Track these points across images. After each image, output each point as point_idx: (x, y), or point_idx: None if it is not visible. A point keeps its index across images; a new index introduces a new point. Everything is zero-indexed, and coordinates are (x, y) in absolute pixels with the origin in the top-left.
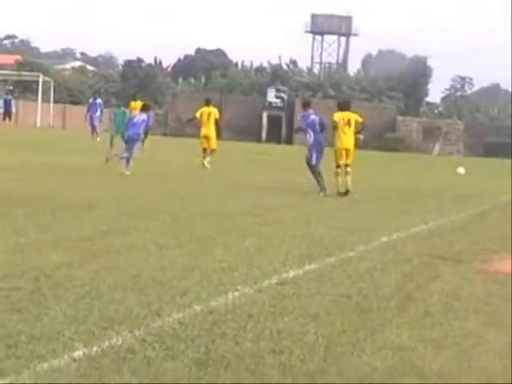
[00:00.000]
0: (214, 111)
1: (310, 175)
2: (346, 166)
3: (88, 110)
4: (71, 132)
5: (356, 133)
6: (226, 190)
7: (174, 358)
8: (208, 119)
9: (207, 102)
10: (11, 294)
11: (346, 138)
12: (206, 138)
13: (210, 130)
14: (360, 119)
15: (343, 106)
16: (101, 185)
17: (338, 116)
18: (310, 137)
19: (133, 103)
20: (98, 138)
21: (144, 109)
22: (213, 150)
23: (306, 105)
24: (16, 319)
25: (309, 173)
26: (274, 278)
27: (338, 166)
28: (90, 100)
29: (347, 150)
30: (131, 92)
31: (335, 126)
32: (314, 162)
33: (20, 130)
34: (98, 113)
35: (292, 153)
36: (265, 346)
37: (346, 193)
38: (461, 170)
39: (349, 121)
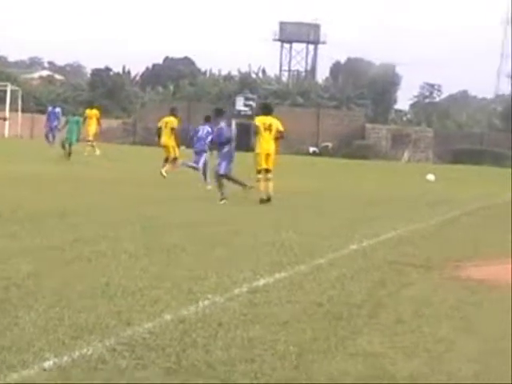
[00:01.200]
0: (171, 120)
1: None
2: (267, 171)
3: (47, 119)
4: (39, 142)
5: (276, 139)
6: (195, 199)
7: (145, 367)
8: (166, 128)
9: (171, 111)
10: None
11: (266, 144)
12: (164, 146)
13: (167, 138)
14: (281, 128)
15: (266, 111)
16: (71, 193)
17: (260, 120)
18: (225, 148)
19: (88, 111)
20: (67, 145)
21: (207, 120)
22: (174, 159)
23: (217, 114)
24: None
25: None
26: (244, 286)
27: (259, 172)
28: (49, 109)
29: (267, 155)
30: (100, 101)
31: (257, 131)
32: (222, 170)
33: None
34: (56, 122)
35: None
36: (236, 354)
37: (268, 200)
38: (430, 177)
39: (270, 126)
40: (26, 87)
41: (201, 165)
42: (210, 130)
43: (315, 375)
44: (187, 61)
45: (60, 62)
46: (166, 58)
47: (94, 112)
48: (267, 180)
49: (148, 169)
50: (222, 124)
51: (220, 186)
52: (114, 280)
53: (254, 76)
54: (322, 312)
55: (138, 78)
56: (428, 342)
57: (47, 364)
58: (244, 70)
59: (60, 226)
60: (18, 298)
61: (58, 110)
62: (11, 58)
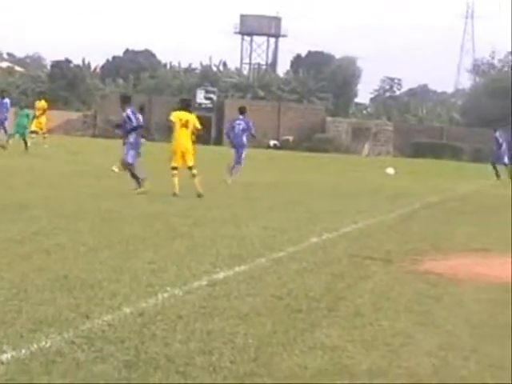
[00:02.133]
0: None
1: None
2: (190, 168)
3: None
4: None
5: (193, 135)
6: (155, 191)
7: (104, 360)
8: None
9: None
10: None
11: (183, 139)
12: None
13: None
14: (198, 125)
15: (183, 106)
16: (29, 186)
17: (176, 116)
18: (131, 137)
19: (37, 103)
20: (11, 141)
21: (241, 112)
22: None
23: (124, 101)
24: None
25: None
26: (204, 279)
27: (174, 168)
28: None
29: (183, 152)
30: (60, 93)
31: (172, 126)
32: (130, 159)
33: None
34: (6, 113)
35: (221, 154)
36: (195, 347)
37: (199, 196)
38: (390, 171)
39: (187, 122)
40: None
41: (242, 161)
42: (245, 125)
43: (274, 368)
44: (148, 53)
45: (20, 54)
46: (127, 51)
47: (42, 104)
48: (193, 177)
49: (107, 161)
50: (129, 111)
51: (133, 176)
52: (73, 273)
53: (214, 69)
54: (281, 305)
55: (98, 70)
56: (386, 336)
57: (5, 357)
58: (205, 62)
59: (18, 219)
60: None
61: (6, 100)
62: None
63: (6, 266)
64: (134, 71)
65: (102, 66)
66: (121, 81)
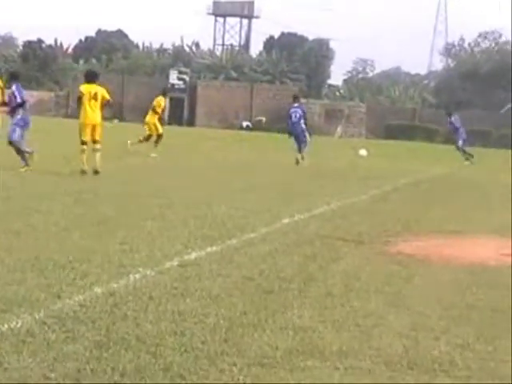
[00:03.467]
0: (157, 99)
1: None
2: (95, 142)
3: None
4: None
5: (102, 107)
6: (128, 172)
7: (75, 340)
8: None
9: (163, 92)
10: None
11: (92, 113)
12: (145, 124)
13: (149, 117)
14: (107, 96)
15: (90, 79)
16: (1, 167)
17: (85, 89)
18: (18, 114)
19: None
20: None
21: (295, 100)
22: (158, 136)
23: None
24: None
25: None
26: (175, 259)
27: (84, 143)
28: None
29: (94, 126)
30: (32, 73)
31: (80, 99)
32: (15, 137)
33: None
34: None
35: (193, 134)
36: (166, 327)
37: (96, 173)
38: (363, 152)
39: (95, 94)
40: None
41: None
42: (301, 112)
43: (245, 348)
44: (120, 33)
45: None
46: (99, 31)
47: None
48: (95, 151)
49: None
50: (14, 87)
51: (19, 153)
52: (45, 253)
53: (187, 50)
54: (252, 286)
55: (70, 50)
56: (358, 317)
57: None
58: (178, 43)
59: None
60: None
61: None
62: None
63: None
64: (107, 51)
65: (75, 47)
66: (94, 61)
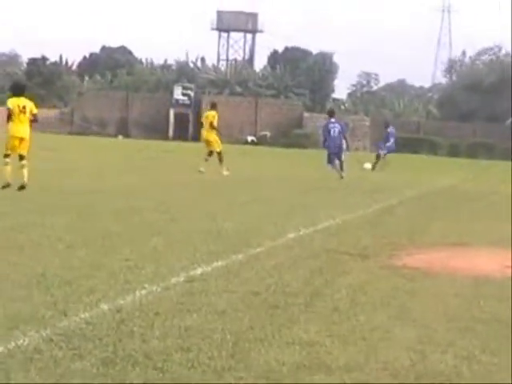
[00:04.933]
0: (211, 114)
1: None
2: (21, 158)
3: None
4: None
5: (30, 122)
6: (132, 187)
7: (82, 357)
8: (206, 122)
9: (212, 106)
10: None
11: (22, 127)
12: (205, 141)
13: (207, 133)
14: (35, 110)
15: (17, 91)
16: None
17: (13, 102)
18: None
19: None
20: None
21: (331, 115)
22: (218, 153)
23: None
24: None
25: None
26: (181, 275)
27: (7, 156)
28: None
29: (22, 140)
30: (37, 90)
31: (10, 114)
32: None
33: None
34: None
35: (198, 150)
36: (172, 343)
37: (22, 188)
38: (367, 166)
39: (24, 108)
40: None
41: (337, 163)
42: (340, 128)
43: (252, 364)
44: (124, 50)
45: None
46: (103, 48)
47: None
48: (23, 167)
49: (84, 158)
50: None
51: None
52: (50, 269)
53: (191, 65)
54: (258, 301)
55: (74, 67)
56: (364, 330)
57: None
58: (182, 59)
59: None
60: None
61: None
62: None
63: None
64: (111, 68)
65: (79, 63)
66: (98, 77)
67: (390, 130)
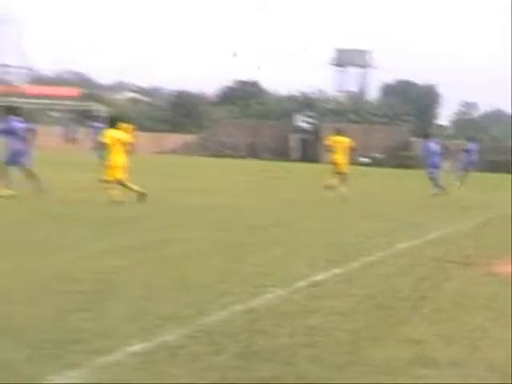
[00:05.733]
0: (345, 140)
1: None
2: (120, 183)
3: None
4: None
5: (127, 151)
6: (259, 203)
7: (219, 352)
8: (338, 147)
9: (338, 132)
10: (75, 295)
11: (118, 156)
12: (336, 163)
13: (340, 156)
14: (130, 140)
15: (112, 125)
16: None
17: (109, 135)
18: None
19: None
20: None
21: (428, 137)
22: (343, 174)
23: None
24: (79, 318)
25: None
26: (304, 280)
27: (109, 181)
28: (95, 124)
29: (118, 167)
30: (179, 119)
31: (107, 145)
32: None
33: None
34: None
35: (317, 169)
36: (298, 340)
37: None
38: (456, 183)
39: (119, 139)
40: (116, 107)
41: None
42: (436, 148)
43: (369, 359)
44: (255, 83)
45: (145, 85)
46: (236, 81)
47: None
48: (122, 188)
49: (217, 178)
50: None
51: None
52: (190, 275)
53: (313, 96)
54: (373, 303)
55: (211, 98)
56: (466, 331)
57: (134, 349)
58: (305, 90)
59: (141, 229)
60: (107, 290)
61: (97, 124)
62: (102, 82)
63: (132, 270)
64: (243, 98)
65: (216, 95)
66: (231, 107)
67: (471, 145)
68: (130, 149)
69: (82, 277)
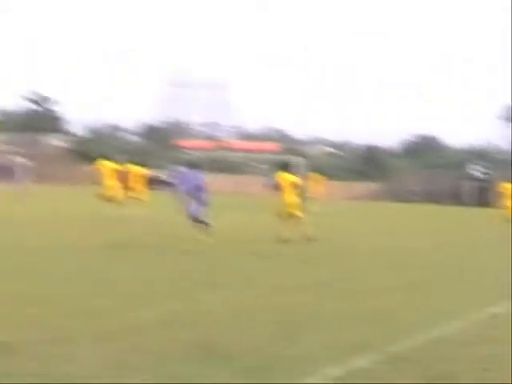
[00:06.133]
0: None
1: None
2: (294, 218)
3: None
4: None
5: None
6: (426, 244)
7: (402, 377)
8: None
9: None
10: (273, 326)
11: (289, 196)
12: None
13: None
14: (299, 183)
15: (284, 169)
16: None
17: (282, 177)
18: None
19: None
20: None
21: None
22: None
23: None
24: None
25: None
26: (484, 311)
27: (283, 218)
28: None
29: (290, 205)
30: (370, 171)
31: (279, 186)
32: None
33: None
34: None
35: (489, 215)
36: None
37: (310, 239)
38: None
39: (290, 182)
40: (312, 160)
41: None
42: None
43: None
44: (434, 137)
45: (338, 140)
46: (417, 136)
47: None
48: (300, 225)
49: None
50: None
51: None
52: (372, 306)
53: (485, 147)
54: None
55: (396, 150)
56: None
57: (334, 372)
58: (476, 143)
59: (321, 267)
60: (296, 323)
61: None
62: (298, 137)
63: (320, 303)
64: (425, 151)
65: (397, 146)
66: (413, 159)
67: None
68: (300, 192)
69: (276, 309)
